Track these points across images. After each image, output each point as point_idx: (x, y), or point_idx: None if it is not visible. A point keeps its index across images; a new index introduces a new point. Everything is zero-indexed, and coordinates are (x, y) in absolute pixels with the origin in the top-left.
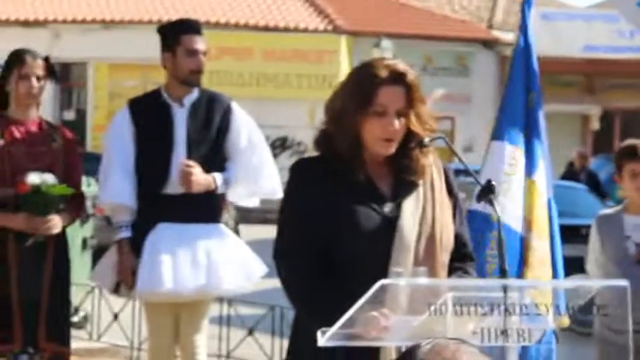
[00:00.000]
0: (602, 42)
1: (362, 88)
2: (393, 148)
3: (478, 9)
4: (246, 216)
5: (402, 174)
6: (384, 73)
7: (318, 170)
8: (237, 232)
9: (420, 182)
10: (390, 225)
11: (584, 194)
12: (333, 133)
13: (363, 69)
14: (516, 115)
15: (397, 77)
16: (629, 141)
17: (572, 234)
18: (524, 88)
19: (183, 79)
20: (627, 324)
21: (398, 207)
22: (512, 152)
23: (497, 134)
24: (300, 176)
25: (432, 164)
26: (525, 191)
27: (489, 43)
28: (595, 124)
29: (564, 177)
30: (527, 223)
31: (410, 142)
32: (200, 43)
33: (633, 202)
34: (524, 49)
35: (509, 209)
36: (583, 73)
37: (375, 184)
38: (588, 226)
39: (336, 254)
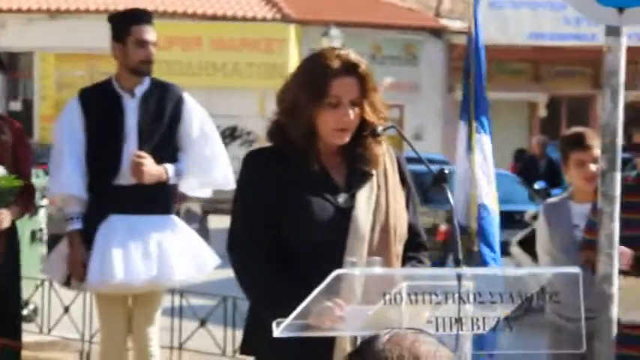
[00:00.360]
0: (549, 29)
1: (315, 80)
2: (347, 138)
3: None
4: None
5: (356, 163)
6: (336, 64)
7: (271, 161)
8: (204, 219)
9: (374, 172)
10: (345, 216)
11: (512, 181)
12: (286, 124)
13: (315, 60)
14: (481, 103)
15: (350, 68)
16: (574, 129)
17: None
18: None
19: (133, 68)
20: (578, 311)
21: (352, 197)
22: (487, 140)
23: (478, 128)
24: (254, 167)
25: (384, 153)
26: None
27: (437, 32)
28: (542, 111)
29: (524, 165)
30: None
31: (363, 130)
32: (150, 34)
33: (579, 190)
34: (475, 38)
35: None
36: (530, 61)
37: (329, 174)
38: (518, 212)
39: (291, 245)
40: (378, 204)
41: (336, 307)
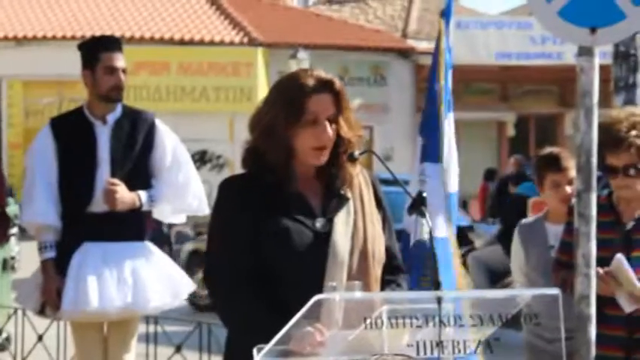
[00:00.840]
0: (515, 49)
1: (291, 99)
2: (325, 158)
3: (392, 18)
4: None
5: (332, 184)
6: (311, 82)
7: (247, 187)
8: (198, 240)
9: (350, 195)
10: (323, 240)
11: None
12: (263, 149)
13: (290, 81)
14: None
15: (324, 84)
16: (549, 149)
17: None
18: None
19: (104, 95)
20: (558, 332)
21: (329, 222)
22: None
23: (431, 156)
24: (229, 194)
25: (359, 174)
26: None
27: (404, 52)
28: (510, 131)
29: (500, 185)
30: None
31: (338, 148)
32: (119, 61)
33: (554, 211)
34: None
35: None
36: (497, 81)
37: (306, 199)
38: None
39: (269, 271)
40: (356, 228)
41: (316, 332)
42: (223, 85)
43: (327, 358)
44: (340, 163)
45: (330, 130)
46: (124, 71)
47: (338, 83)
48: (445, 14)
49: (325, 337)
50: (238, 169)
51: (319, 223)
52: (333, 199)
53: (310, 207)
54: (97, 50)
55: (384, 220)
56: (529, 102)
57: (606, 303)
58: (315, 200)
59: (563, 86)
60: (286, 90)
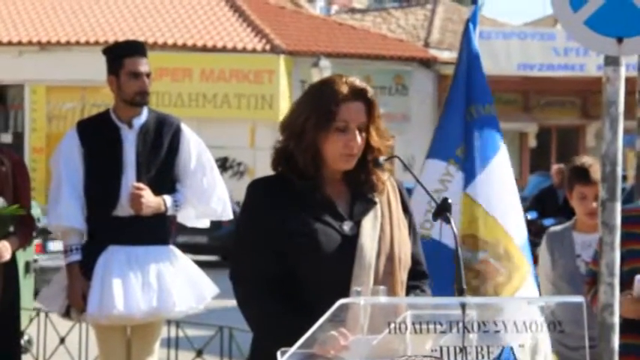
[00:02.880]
0: (537, 60)
1: (324, 105)
2: (353, 163)
3: (414, 28)
4: None
5: (359, 189)
6: (344, 89)
7: (274, 190)
8: None
9: (377, 200)
10: (350, 244)
11: None
12: (292, 150)
13: (323, 85)
14: (453, 129)
15: (357, 93)
16: (582, 159)
17: None
18: (464, 101)
19: (129, 100)
20: (582, 340)
21: (357, 225)
22: (445, 168)
23: (431, 152)
24: (257, 196)
25: (387, 180)
26: (461, 206)
27: (426, 62)
28: (532, 142)
29: (542, 195)
30: (465, 239)
31: (367, 155)
32: (143, 65)
33: (582, 221)
34: (466, 64)
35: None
36: (519, 91)
37: (334, 202)
38: None
39: (296, 274)
40: (383, 232)
41: (340, 337)
42: (245, 93)
43: None
44: (368, 170)
45: (359, 138)
46: (148, 76)
47: (371, 92)
48: (472, 21)
49: (349, 341)
50: (258, 176)
51: (347, 226)
52: (361, 202)
53: (338, 210)
54: (120, 56)
55: (410, 226)
56: (551, 113)
57: None
58: (342, 204)
59: (585, 98)
60: (319, 95)
